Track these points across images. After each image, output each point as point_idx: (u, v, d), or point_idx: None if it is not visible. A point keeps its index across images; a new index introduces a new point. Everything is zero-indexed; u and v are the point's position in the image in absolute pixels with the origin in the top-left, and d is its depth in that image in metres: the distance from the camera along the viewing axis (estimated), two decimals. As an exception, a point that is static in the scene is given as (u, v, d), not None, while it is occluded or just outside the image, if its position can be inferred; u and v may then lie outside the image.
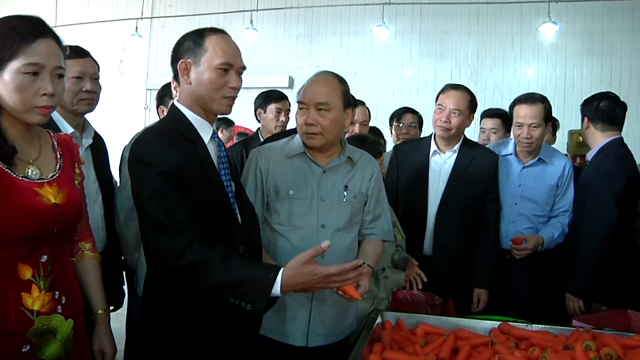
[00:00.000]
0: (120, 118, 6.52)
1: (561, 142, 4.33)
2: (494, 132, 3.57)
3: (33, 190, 1.39)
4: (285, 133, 2.86)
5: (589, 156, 2.82)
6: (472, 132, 3.90)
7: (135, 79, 7.22)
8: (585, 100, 2.88)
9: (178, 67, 1.63)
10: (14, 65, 1.33)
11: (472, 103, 2.72)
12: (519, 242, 2.69)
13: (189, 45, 1.63)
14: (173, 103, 1.70)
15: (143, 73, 7.30)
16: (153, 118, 4.27)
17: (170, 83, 2.54)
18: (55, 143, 1.55)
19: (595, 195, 2.65)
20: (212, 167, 1.64)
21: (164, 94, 2.83)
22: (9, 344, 1.34)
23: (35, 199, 1.38)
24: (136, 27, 6.79)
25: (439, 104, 2.71)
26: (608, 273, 2.64)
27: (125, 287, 2.51)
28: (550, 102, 2.82)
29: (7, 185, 1.34)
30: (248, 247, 1.68)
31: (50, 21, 1.46)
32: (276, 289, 1.45)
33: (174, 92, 2.44)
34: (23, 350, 1.36)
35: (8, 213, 1.32)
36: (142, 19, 6.92)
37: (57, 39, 1.41)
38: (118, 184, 2.39)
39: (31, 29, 1.36)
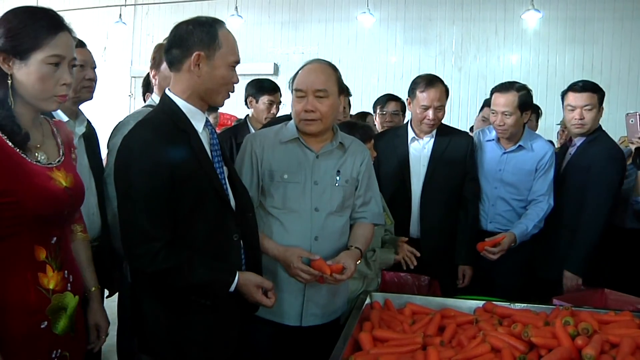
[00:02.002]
0: (105, 106, 6.46)
1: (542, 128, 4.40)
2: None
3: (47, 175, 1.45)
4: (277, 121, 2.90)
5: (577, 142, 2.89)
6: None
7: (119, 66, 7.18)
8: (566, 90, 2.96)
9: (192, 57, 1.61)
10: (38, 56, 1.40)
11: (447, 93, 2.85)
12: (488, 245, 2.67)
13: (201, 37, 1.61)
14: (165, 92, 1.70)
15: (127, 60, 7.25)
16: (138, 105, 4.28)
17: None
18: (54, 129, 1.60)
19: (601, 178, 2.72)
20: (205, 157, 1.68)
21: (150, 80, 2.84)
22: (31, 321, 1.42)
23: (50, 183, 1.45)
24: (120, 14, 6.74)
25: (422, 105, 2.78)
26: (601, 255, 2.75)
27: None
28: (533, 89, 2.88)
29: (25, 169, 1.41)
30: (243, 232, 1.74)
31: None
32: (232, 287, 1.66)
33: (152, 80, 2.43)
34: (42, 326, 1.44)
35: (29, 196, 1.39)
36: (125, 5, 6.85)
37: (71, 32, 1.48)
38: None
39: (54, 22, 1.44)
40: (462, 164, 2.84)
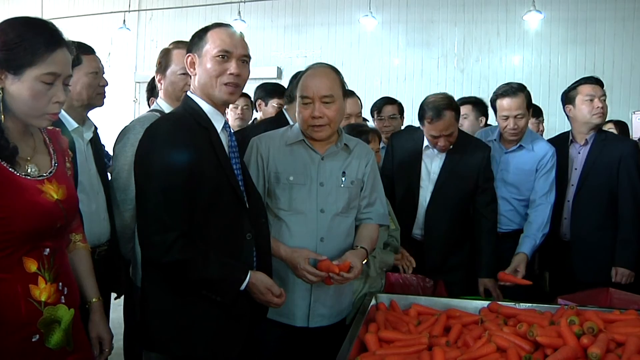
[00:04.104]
0: (109, 111, 6.49)
1: (546, 129, 4.40)
2: (465, 118, 3.54)
3: (37, 188, 1.41)
4: (265, 121, 2.94)
5: (590, 139, 2.87)
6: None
7: (123, 71, 7.19)
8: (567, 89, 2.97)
9: (186, 61, 1.74)
10: (34, 72, 1.35)
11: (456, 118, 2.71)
12: (507, 279, 2.60)
13: (194, 41, 1.73)
14: (186, 93, 1.78)
15: (131, 66, 7.28)
16: (143, 110, 4.31)
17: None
18: (47, 138, 1.56)
19: (636, 171, 2.75)
20: (224, 155, 1.72)
21: (154, 85, 2.86)
22: (21, 335, 1.38)
23: (40, 197, 1.40)
24: (124, 20, 6.75)
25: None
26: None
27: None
28: (535, 90, 2.91)
29: (13, 184, 1.37)
30: (256, 234, 1.77)
31: (36, 15, 1.48)
32: (243, 286, 1.68)
33: (158, 85, 2.48)
34: (33, 340, 1.40)
35: (18, 211, 1.35)
36: (129, 11, 6.88)
37: (69, 48, 1.43)
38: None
39: (53, 38, 1.39)
40: (474, 177, 2.75)
